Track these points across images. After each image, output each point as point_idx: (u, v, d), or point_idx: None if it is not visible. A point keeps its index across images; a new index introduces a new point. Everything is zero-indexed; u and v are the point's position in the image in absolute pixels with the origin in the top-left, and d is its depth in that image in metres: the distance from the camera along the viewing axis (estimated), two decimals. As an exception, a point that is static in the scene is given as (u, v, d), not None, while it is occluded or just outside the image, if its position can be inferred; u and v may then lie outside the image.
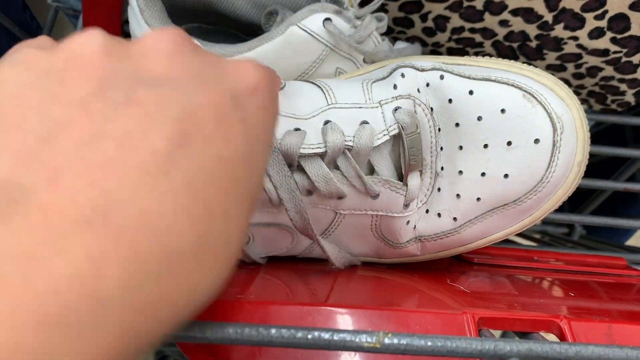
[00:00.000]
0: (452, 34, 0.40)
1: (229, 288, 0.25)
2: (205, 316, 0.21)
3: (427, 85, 0.30)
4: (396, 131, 0.28)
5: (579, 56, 0.40)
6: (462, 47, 0.41)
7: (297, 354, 0.21)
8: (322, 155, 0.27)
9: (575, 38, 0.38)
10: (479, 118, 0.28)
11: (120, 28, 0.41)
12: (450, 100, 0.29)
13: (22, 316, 0.11)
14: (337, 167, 0.28)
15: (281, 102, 0.27)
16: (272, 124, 0.19)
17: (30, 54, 0.17)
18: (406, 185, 0.29)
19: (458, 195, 0.29)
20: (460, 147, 0.29)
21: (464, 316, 0.23)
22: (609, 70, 0.41)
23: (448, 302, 0.25)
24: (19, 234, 0.12)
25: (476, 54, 0.42)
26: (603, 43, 0.38)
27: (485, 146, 0.28)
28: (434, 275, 0.32)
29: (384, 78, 0.31)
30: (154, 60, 0.16)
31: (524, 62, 0.41)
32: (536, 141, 0.28)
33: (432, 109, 0.30)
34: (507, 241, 0.53)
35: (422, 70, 0.30)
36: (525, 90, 0.28)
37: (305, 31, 0.33)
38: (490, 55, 0.41)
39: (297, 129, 0.27)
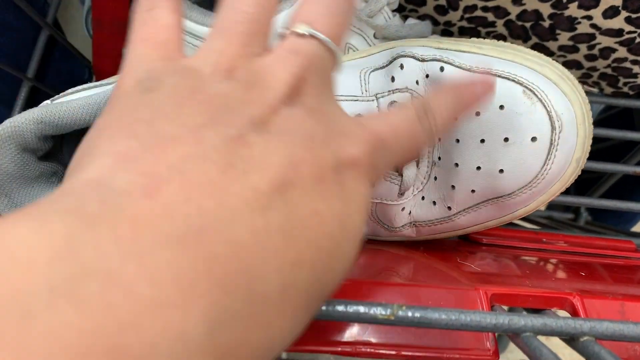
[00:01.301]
0: (465, 12, 0.39)
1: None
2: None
3: (427, 76, 0.29)
4: None
5: (593, 36, 0.39)
6: (474, 27, 0.41)
7: (310, 325, 0.21)
8: None
9: (589, 17, 0.37)
10: (477, 113, 0.28)
11: (129, 4, 0.40)
12: None
13: (98, 348, 0.10)
14: None
15: None
16: (368, 194, 0.18)
17: (155, 69, 0.17)
18: (401, 175, 0.29)
19: (453, 186, 0.30)
20: (457, 140, 0.29)
21: (477, 292, 0.23)
22: (622, 52, 0.40)
23: (460, 279, 0.25)
24: (103, 245, 0.11)
25: (488, 33, 0.41)
26: (617, 23, 0.37)
27: (482, 141, 0.28)
28: (444, 254, 0.32)
29: (383, 67, 0.30)
30: (269, 100, 0.16)
31: (536, 43, 0.41)
32: (533, 139, 0.27)
33: None
34: (513, 224, 0.53)
35: (423, 60, 0.30)
36: (526, 86, 0.27)
37: (316, 5, 0.32)
38: (503, 36, 0.41)
39: None
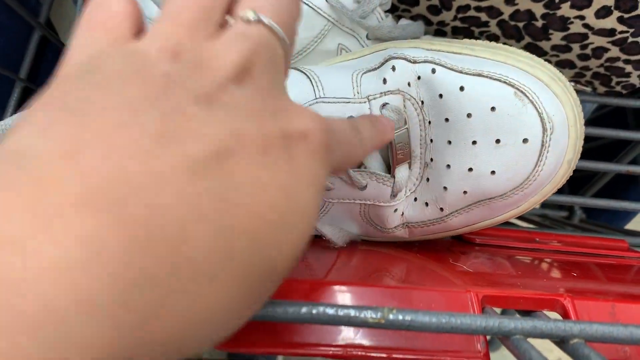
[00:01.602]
0: (458, 12, 0.39)
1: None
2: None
3: (419, 78, 0.29)
4: None
5: (585, 36, 0.39)
6: (467, 27, 0.41)
7: (302, 329, 0.21)
8: None
9: (582, 17, 0.37)
10: (469, 115, 0.28)
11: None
12: (440, 96, 0.29)
13: None
14: None
15: None
16: (321, 173, 0.18)
17: (99, 53, 0.17)
18: (394, 177, 0.30)
19: (445, 187, 0.30)
20: (449, 142, 0.29)
21: (468, 294, 0.23)
22: (614, 51, 0.40)
23: (451, 280, 0.25)
24: (7, 210, 0.11)
25: (481, 33, 0.41)
26: (610, 23, 0.37)
27: (474, 142, 0.28)
28: (437, 255, 0.32)
29: (375, 68, 0.30)
30: (216, 79, 0.16)
31: (529, 43, 0.41)
32: (525, 141, 0.27)
33: (422, 102, 0.30)
34: (507, 223, 0.53)
35: (414, 62, 0.30)
36: (517, 88, 0.27)
37: (307, 5, 0.32)
38: (496, 36, 0.41)
39: None
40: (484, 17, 0.39)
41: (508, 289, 0.24)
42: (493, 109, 0.27)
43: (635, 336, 0.19)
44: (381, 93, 0.29)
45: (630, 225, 0.68)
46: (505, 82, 0.27)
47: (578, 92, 0.29)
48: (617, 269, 0.34)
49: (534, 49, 0.41)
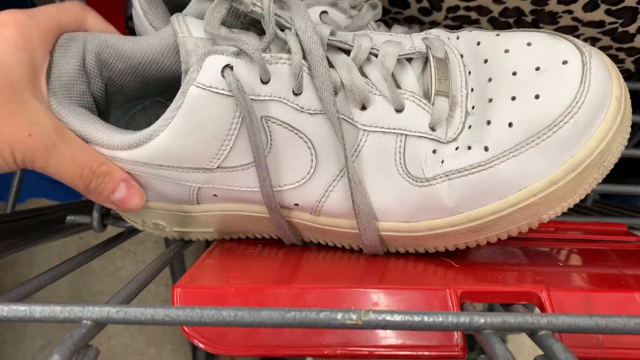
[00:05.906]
0: (448, 12, 0.40)
1: (230, 274, 0.27)
2: (206, 302, 0.24)
3: (457, 38, 0.32)
4: (423, 50, 0.30)
5: (575, 28, 0.40)
6: (459, 24, 0.42)
7: (291, 330, 0.23)
8: (347, 52, 0.29)
9: (570, 12, 0.38)
10: (506, 50, 0.29)
11: (124, 24, 0.42)
12: (478, 43, 0.31)
13: None
14: (363, 74, 0.29)
15: None
16: (15, 57, 0.26)
17: None
18: (433, 104, 0.29)
19: (488, 121, 0.28)
20: (490, 79, 0.29)
21: (447, 291, 0.25)
22: (606, 41, 0.41)
23: (432, 279, 0.27)
24: None
25: (474, 30, 0.42)
26: (598, 15, 0.38)
27: (514, 73, 0.28)
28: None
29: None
30: None
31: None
32: (564, 62, 0.27)
33: (462, 55, 0.31)
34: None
35: (452, 32, 0.33)
36: (550, 33, 0.29)
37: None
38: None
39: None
40: (474, 15, 0.40)
41: (486, 284, 0.25)
42: (529, 44, 0.29)
43: (600, 325, 0.21)
44: (422, 33, 0.32)
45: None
46: (538, 31, 0.30)
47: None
48: (607, 254, 0.34)
49: (527, 43, 0.42)
